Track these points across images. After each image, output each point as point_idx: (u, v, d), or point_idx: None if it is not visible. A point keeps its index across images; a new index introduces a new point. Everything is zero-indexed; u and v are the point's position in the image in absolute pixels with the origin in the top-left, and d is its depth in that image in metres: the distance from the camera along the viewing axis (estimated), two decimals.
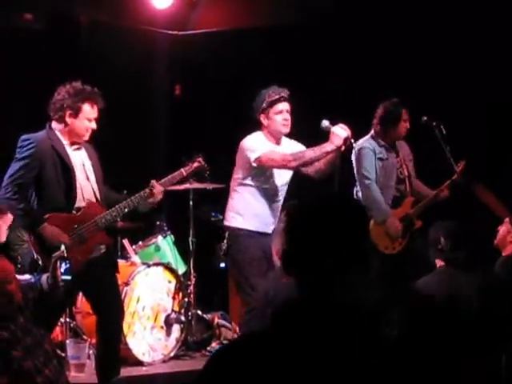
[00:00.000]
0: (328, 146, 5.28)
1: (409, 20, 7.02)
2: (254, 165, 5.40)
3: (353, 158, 6.10)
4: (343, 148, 5.30)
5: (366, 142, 6.15)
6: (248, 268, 5.39)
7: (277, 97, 5.45)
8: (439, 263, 4.58)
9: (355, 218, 2.01)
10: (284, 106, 5.48)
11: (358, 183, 6.14)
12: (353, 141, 5.29)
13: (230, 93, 7.48)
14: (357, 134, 6.17)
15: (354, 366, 1.82)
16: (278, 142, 5.56)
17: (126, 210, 4.99)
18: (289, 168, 5.46)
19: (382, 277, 5.51)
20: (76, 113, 4.86)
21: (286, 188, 5.61)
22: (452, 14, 6.90)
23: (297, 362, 1.83)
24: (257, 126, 5.58)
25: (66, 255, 4.56)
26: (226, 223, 5.57)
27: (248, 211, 5.47)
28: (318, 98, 6.89)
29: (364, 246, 1.99)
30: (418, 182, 6.38)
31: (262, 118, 5.50)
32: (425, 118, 6.17)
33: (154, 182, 5.06)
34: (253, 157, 5.40)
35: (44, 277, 4.45)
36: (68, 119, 4.86)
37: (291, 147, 5.60)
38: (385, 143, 6.20)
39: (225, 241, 5.52)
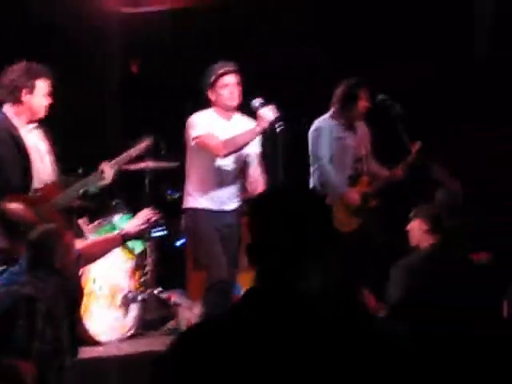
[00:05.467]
0: (256, 129, 5.27)
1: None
2: (192, 143, 5.39)
3: (309, 137, 6.13)
4: (277, 131, 5.13)
5: (322, 121, 6.17)
6: (204, 246, 5.43)
7: (221, 71, 5.38)
8: None
9: (315, 205, 2.02)
10: (230, 79, 5.39)
11: (312, 163, 6.18)
12: (281, 123, 5.10)
13: (184, 70, 7.43)
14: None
15: (305, 349, 1.86)
16: (228, 118, 5.50)
17: (81, 191, 5.04)
18: (221, 156, 5.35)
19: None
20: (31, 90, 4.89)
21: (241, 164, 5.55)
22: None
23: (254, 348, 1.87)
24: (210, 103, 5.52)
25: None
26: (183, 205, 5.60)
27: (198, 191, 5.48)
28: (275, 74, 6.89)
29: (327, 232, 2.01)
30: (374, 163, 6.43)
31: (210, 94, 5.45)
32: (380, 97, 6.20)
33: (104, 164, 5.08)
34: (193, 134, 5.39)
35: None
36: (24, 98, 4.89)
37: (241, 124, 5.52)
38: (343, 122, 6.24)
39: (182, 221, 5.55)
